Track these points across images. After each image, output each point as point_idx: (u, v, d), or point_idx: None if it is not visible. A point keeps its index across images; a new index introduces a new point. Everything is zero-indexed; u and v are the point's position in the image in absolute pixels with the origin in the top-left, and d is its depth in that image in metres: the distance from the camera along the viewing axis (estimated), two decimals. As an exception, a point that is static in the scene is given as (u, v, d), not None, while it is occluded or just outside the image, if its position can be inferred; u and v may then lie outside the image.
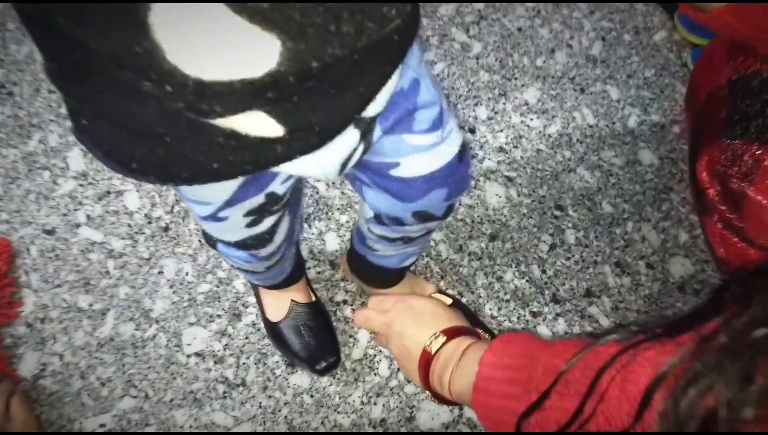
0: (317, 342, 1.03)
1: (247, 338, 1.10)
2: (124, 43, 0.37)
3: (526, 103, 1.38)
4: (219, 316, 1.11)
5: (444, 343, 0.60)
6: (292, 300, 1.05)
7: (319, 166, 0.54)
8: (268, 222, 0.68)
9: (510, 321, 1.15)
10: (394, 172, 0.64)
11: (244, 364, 1.08)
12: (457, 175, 0.67)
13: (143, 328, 1.10)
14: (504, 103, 1.38)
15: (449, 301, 1.08)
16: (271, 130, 0.45)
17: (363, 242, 0.91)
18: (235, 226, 0.66)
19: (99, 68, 0.41)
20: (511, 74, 1.41)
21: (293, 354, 1.04)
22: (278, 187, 0.61)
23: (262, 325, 1.09)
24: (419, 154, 0.63)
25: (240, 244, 0.73)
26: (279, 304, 1.05)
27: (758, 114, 0.71)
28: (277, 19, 0.38)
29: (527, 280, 1.18)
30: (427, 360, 0.60)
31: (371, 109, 0.51)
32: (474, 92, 1.38)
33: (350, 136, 0.53)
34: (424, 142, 0.62)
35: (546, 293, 1.17)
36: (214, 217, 0.63)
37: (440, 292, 1.11)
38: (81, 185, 1.22)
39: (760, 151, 0.69)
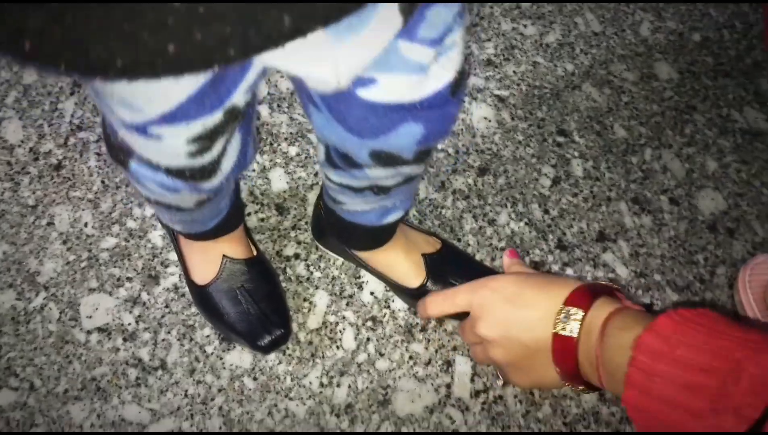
0: (259, 310, 0.78)
1: (167, 307, 0.84)
2: None
3: (518, 7, 1.12)
4: (129, 278, 0.85)
5: (583, 318, 0.42)
6: (224, 255, 0.79)
7: (337, 58, 0.39)
8: (218, 146, 0.49)
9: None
10: (363, 93, 0.46)
11: (163, 340, 0.82)
12: (442, 111, 0.50)
13: (27, 296, 0.83)
14: (491, 7, 1.11)
15: (438, 244, 0.85)
16: None
17: (327, 193, 0.73)
18: (170, 152, 0.47)
19: None
20: (498, -29, 1.15)
21: (228, 327, 0.79)
22: (241, 97, 0.44)
23: (187, 289, 0.83)
24: (406, 75, 0.45)
25: (172, 173, 0.50)
26: (207, 261, 0.80)
27: None
28: None
29: (526, 223, 0.94)
30: (565, 348, 0.43)
31: None
32: (454, -7, 1.11)
33: (390, 17, 0.36)
34: (420, 57, 0.45)
35: (550, 238, 0.94)
36: (140, 130, 0.45)
37: (430, 233, 0.87)
38: (-57, 113, 0.92)
39: None
